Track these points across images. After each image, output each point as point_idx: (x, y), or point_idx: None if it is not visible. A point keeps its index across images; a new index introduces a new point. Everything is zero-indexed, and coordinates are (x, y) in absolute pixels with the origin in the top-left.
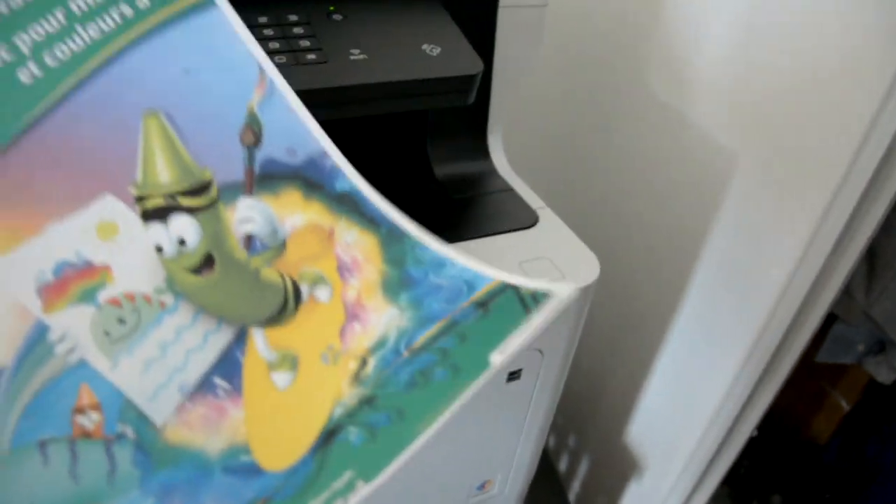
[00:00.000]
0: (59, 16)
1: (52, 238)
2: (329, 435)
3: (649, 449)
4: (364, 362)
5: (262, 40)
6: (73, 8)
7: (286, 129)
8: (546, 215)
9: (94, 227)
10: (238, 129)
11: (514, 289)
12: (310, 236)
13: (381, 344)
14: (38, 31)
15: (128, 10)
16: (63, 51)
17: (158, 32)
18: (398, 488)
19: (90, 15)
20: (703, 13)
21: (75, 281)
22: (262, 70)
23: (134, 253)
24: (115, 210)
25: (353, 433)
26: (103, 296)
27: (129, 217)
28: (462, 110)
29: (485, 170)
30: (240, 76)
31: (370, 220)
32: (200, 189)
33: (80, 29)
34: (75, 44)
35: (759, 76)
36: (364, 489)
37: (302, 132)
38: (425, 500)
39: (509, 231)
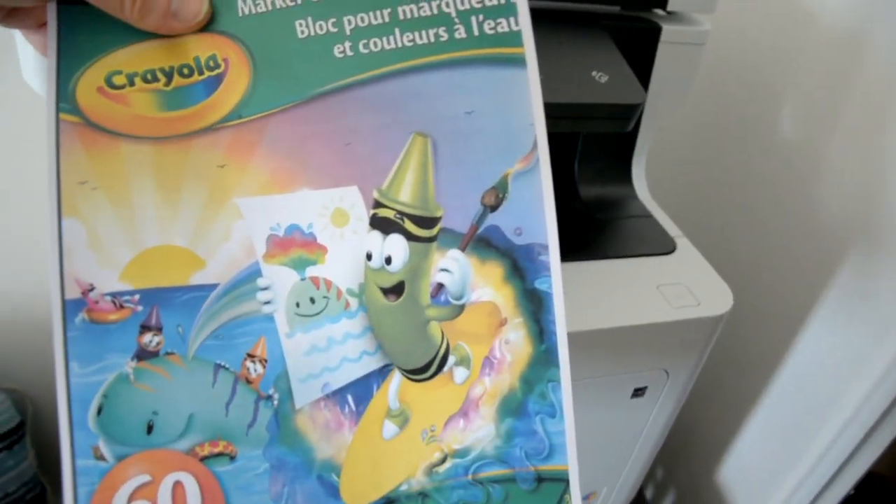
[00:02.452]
0: (386, 14)
1: (300, 200)
2: (388, 502)
3: (739, 493)
4: (444, 459)
5: None
6: (400, 12)
7: (526, 209)
8: (683, 244)
9: (333, 209)
10: (485, 187)
11: (565, 488)
12: (484, 316)
13: (463, 453)
14: (363, 18)
15: (444, 35)
16: (376, 44)
17: (463, 66)
18: None
19: (411, 25)
20: (849, 69)
21: (297, 247)
22: (535, 145)
23: (349, 248)
24: (354, 203)
25: None
26: (310, 271)
27: (361, 214)
28: (611, 136)
29: (627, 195)
30: (513, 141)
31: (540, 330)
32: (428, 222)
33: (397, 32)
34: (388, 43)
35: None
36: None
37: (538, 219)
38: None
39: (648, 255)
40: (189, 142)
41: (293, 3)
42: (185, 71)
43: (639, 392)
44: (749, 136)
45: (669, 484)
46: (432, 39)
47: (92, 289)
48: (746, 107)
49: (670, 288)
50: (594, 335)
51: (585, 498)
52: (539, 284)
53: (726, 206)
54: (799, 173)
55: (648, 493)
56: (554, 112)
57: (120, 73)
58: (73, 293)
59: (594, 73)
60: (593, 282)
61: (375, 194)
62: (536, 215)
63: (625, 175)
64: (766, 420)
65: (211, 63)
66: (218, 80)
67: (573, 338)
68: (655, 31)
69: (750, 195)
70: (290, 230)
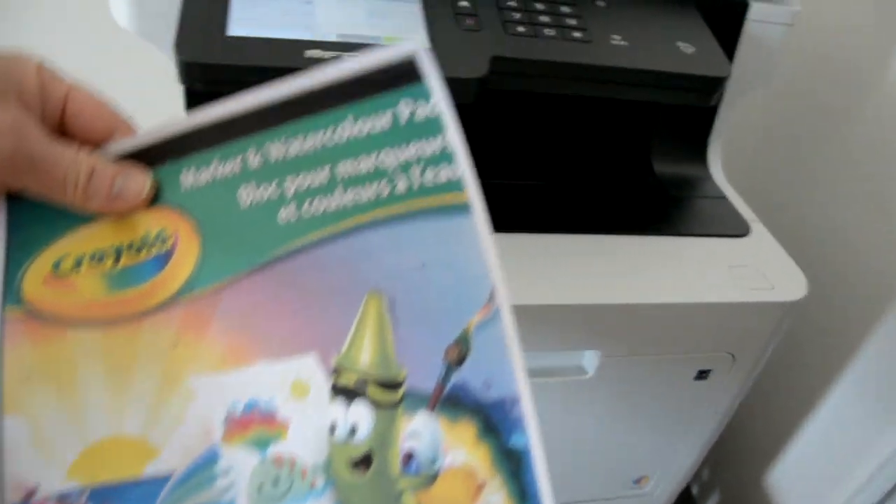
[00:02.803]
0: (325, 174)
1: (257, 375)
2: None
3: (787, 502)
4: None
5: (533, 13)
6: (339, 171)
7: (492, 361)
8: (757, 228)
9: (292, 381)
10: (447, 343)
11: None
12: (460, 481)
13: None
14: (304, 180)
15: (385, 190)
16: (319, 205)
17: (409, 220)
18: (565, 460)
19: (352, 182)
20: None
21: (257, 424)
22: (493, 294)
23: (312, 421)
24: (314, 372)
25: None
26: (272, 450)
27: (322, 385)
28: (690, 113)
29: (701, 175)
30: (470, 291)
31: (522, 490)
32: (391, 385)
33: (339, 191)
34: (331, 203)
35: None
36: None
37: (505, 370)
38: (584, 481)
39: (721, 236)
40: (140, 322)
41: (234, 172)
42: (135, 248)
43: (703, 374)
44: (832, 126)
45: (714, 485)
46: (374, 195)
47: (35, 492)
48: (831, 95)
49: (743, 270)
50: (661, 309)
51: (636, 482)
52: (515, 441)
53: (803, 196)
54: (881, 168)
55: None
56: (636, 79)
57: (68, 257)
58: (15, 497)
59: (680, 44)
60: (663, 257)
61: (335, 361)
62: (504, 366)
63: (701, 155)
64: (823, 425)
65: (160, 238)
66: (168, 254)
67: (641, 309)
68: (743, 7)
69: (828, 186)
70: (249, 407)
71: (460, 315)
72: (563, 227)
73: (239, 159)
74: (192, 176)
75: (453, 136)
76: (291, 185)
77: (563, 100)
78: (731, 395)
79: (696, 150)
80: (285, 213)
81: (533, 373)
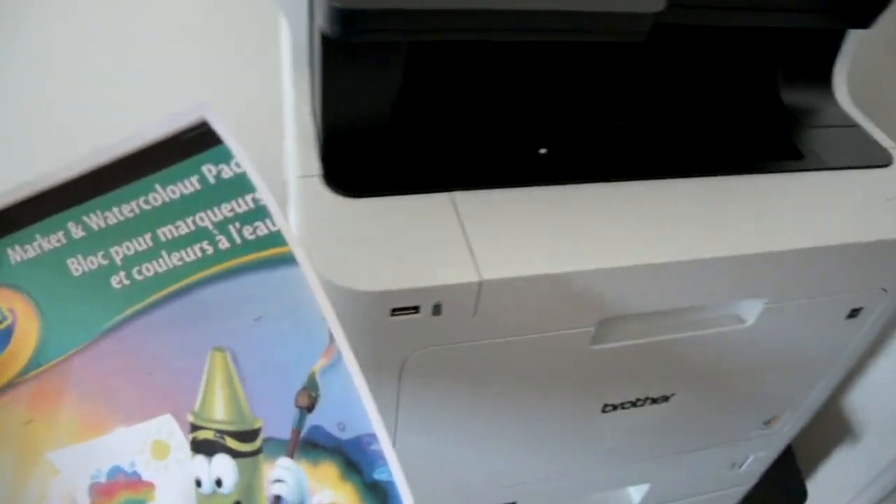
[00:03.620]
0: (148, 238)
1: (116, 441)
2: None
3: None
4: None
5: None
6: (160, 234)
7: (342, 402)
8: None
9: (151, 442)
10: (296, 390)
11: None
12: None
13: None
14: (129, 247)
15: (209, 248)
16: (148, 269)
17: (238, 274)
18: (700, 410)
19: (175, 244)
20: None
21: (123, 489)
22: (332, 338)
23: (176, 479)
24: (171, 432)
25: None
26: None
27: (181, 442)
28: (816, 38)
29: (828, 102)
30: (309, 338)
31: None
32: (248, 435)
33: (164, 254)
34: (160, 266)
35: None
36: None
37: (357, 410)
38: (716, 427)
39: (861, 167)
40: None
41: (59, 244)
42: None
43: (855, 313)
44: None
45: None
46: (200, 254)
47: None
48: None
49: None
50: (823, 253)
51: (767, 423)
52: (378, 475)
53: None
54: None
55: None
56: (804, 4)
57: None
58: None
59: None
60: (807, 195)
61: (191, 418)
62: (355, 407)
63: (826, 81)
64: None
65: None
66: (8, 332)
67: (798, 254)
68: None
69: None
70: (113, 473)
71: (304, 362)
72: (695, 169)
73: (61, 233)
74: (19, 253)
75: (264, 192)
76: (118, 252)
77: (689, 32)
78: (875, 331)
79: (821, 76)
80: (117, 280)
81: (692, 326)
